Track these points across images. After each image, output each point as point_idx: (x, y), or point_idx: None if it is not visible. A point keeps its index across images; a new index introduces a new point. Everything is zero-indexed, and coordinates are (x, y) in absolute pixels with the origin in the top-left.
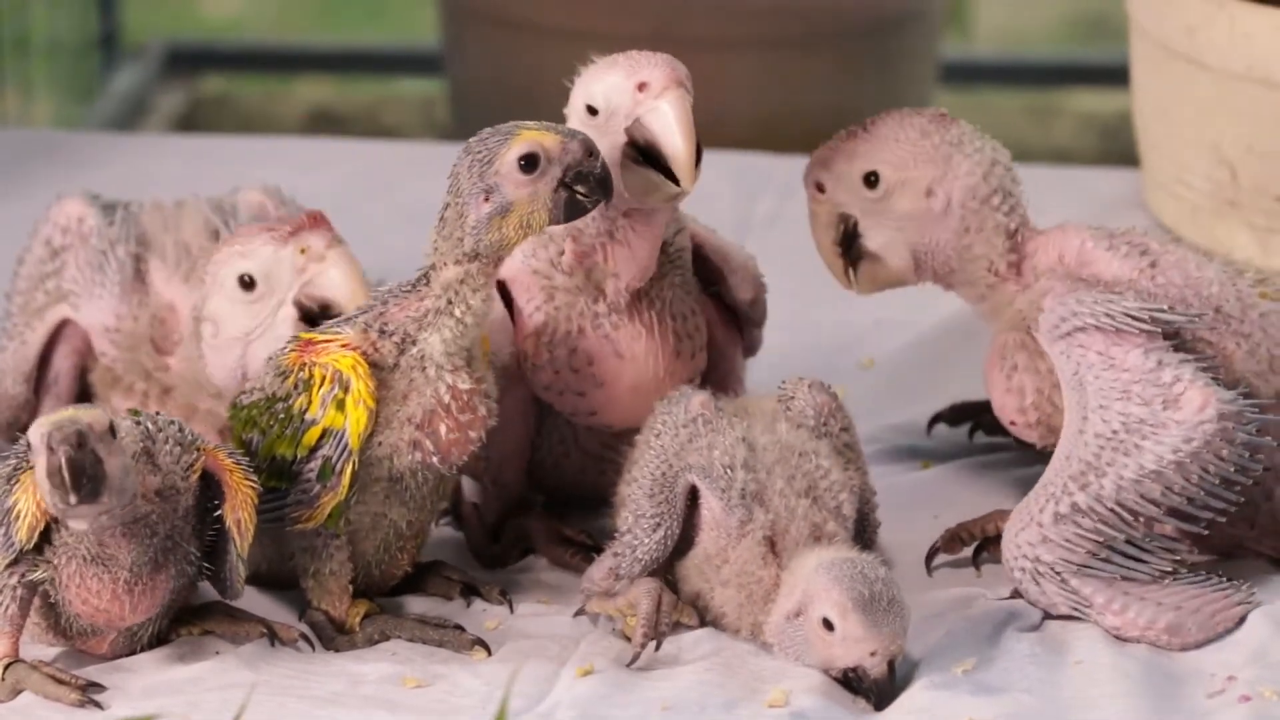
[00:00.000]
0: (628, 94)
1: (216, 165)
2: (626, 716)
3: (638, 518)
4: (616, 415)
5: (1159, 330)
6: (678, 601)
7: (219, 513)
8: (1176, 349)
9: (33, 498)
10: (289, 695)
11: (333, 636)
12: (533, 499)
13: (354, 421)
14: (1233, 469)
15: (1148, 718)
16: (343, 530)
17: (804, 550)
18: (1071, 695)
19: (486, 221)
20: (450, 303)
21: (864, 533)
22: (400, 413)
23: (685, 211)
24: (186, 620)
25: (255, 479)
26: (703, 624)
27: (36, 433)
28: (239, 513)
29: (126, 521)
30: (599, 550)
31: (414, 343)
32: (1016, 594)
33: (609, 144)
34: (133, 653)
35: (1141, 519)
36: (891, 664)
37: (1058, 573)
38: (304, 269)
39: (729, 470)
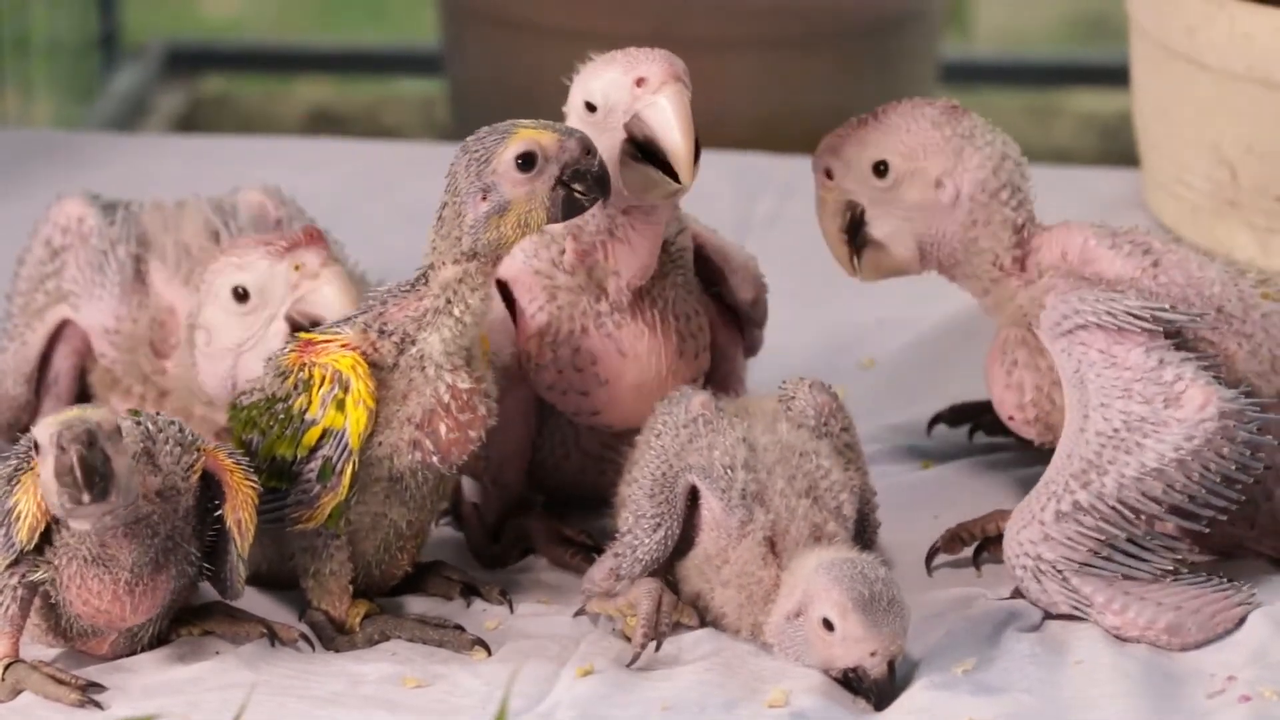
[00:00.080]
0: (626, 90)
1: (216, 165)
2: (626, 716)
3: (638, 518)
4: (619, 415)
5: (1161, 329)
6: (678, 602)
7: (219, 513)
8: (1178, 348)
9: (33, 498)
10: (289, 695)
11: (333, 636)
12: (533, 499)
13: (354, 421)
14: (1234, 467)
15: (1148, 718)
16: (343, 530)
17: (804, 550)
18: (1071, 695)
19: (484, 220)
20: (449, 302)
21: (864, 533)
22: (400, 412)
23: (685, 212)
24: (187, 620)
25: (255, 479)
26: (703, 624)
27: (45, 432)
28: (239, 513)
29: (128, 522)
30: (599, 550)
31: (413, 342)
32: (1017, 594)
33: (608, 141)
34: (133, 653)
35: (1143, 517)
36: (891, 664)
37: (1059, 571)
38: (297, 285)
39: (729, 470)
